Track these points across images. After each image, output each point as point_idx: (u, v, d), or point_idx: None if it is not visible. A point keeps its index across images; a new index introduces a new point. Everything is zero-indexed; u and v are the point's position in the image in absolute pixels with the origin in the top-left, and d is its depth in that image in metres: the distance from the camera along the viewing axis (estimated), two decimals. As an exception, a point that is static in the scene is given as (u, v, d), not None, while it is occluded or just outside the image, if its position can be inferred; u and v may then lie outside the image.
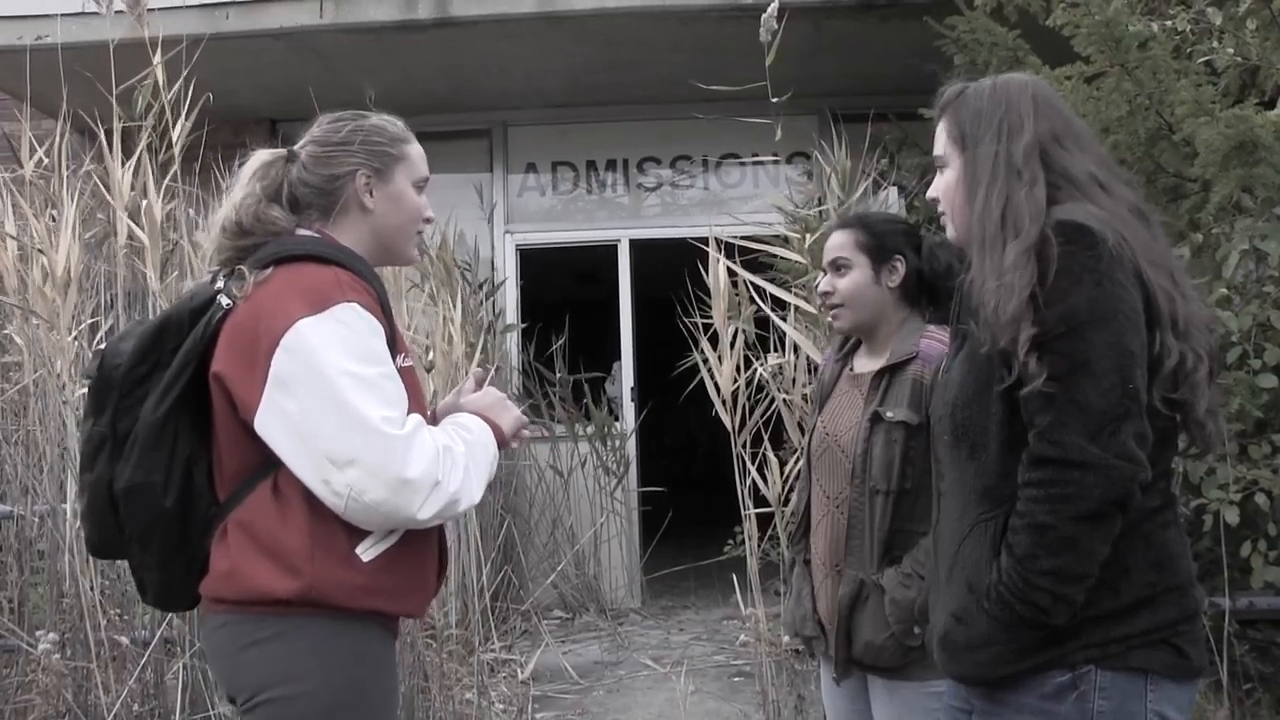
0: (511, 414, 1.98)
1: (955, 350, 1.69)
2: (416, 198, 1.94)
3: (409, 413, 1.76)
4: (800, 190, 6.08)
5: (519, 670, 4.70)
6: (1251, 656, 3.78)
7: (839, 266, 2.29)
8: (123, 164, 3.94)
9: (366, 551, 1.75)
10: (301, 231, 1.86)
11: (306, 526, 1.73)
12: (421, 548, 1.85)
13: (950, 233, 1.72)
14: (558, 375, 6.42)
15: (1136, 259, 1.46)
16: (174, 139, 3.94)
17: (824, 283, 2.31)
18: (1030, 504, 1.45)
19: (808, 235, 4.36)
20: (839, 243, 2.30)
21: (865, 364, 2.31)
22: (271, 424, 1.71)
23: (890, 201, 5.38)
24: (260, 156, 1.92)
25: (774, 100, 4.17)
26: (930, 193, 1.74)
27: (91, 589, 3.70)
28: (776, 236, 4.55)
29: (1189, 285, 1.56)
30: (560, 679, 4.93)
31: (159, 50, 3.87)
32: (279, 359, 1.70)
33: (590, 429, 6.46)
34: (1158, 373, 1.46)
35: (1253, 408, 3.19)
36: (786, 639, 3.97)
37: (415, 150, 1.96)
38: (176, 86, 3.94)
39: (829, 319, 2.35)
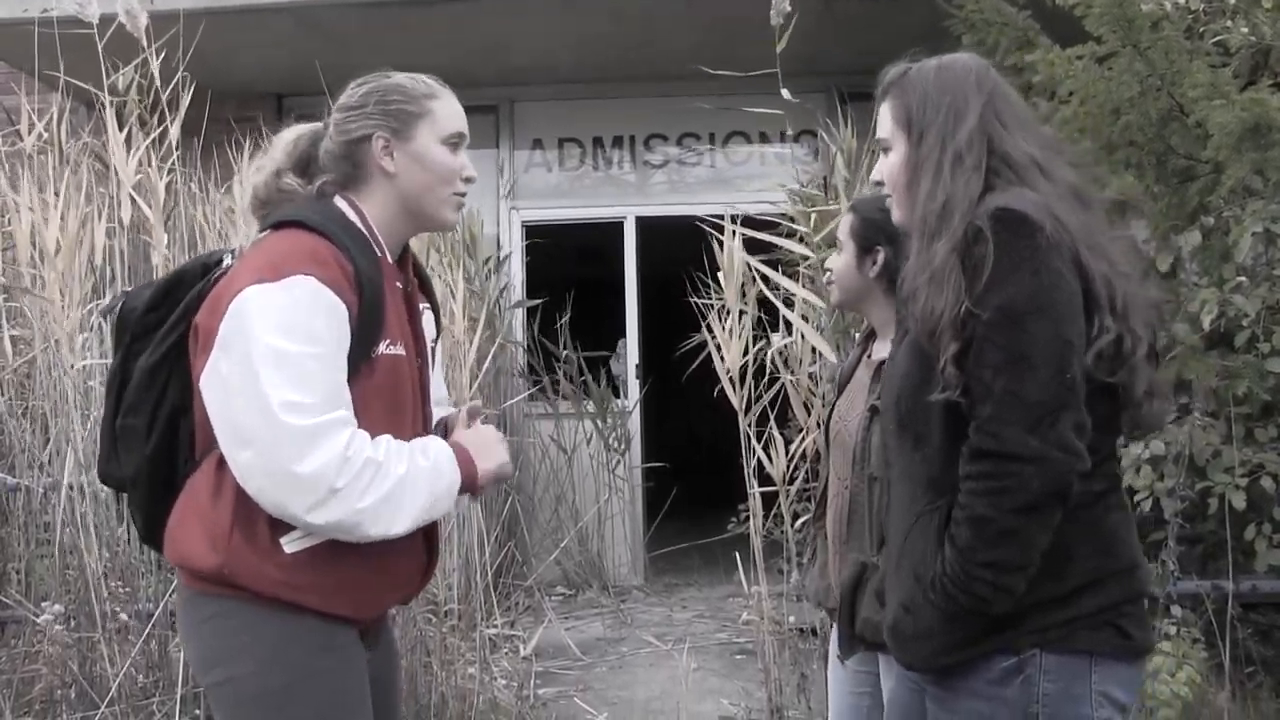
0: (495, 461, 1.83)
1: (900, 339, 1.68)
2: (447, 156, 1.82)
3: (380, 402, 1.70)
4: (806, 170, 6.05)
5: (521, 646, 4.71)
6: (1254, 640, 3.79)
7: (836, 244, 2.36)
8: (127, 139, 3.93)
9: (292, 543, 1.67)
10: (338, 201, 1.80)
11: (233, 505, 1.67)
12: (374, 547, 1.70)
13: (895, 216, 1.71)
14: (564, 353, 6.41)
15: (1075, 244, 1.46)
16: (164, 112, 3.91)
17: (831, 257, 2.37)
18: (970, 496, 1.45)
19: (813, 215, 4.35)
20: (842, 223, 2.36)
21: (878, 352, 2.33)
22: (207, 386, 1.67)
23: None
24: (293, 130, 1.89)
25: (784, 90, 4.16)
26: (874, 175, 1.72)
27: (96, 562, 3.72)
28: (783, 215, 4.53)
29: (1131, 266, 1.55)
30: (563, 655, 4.95)
31: (141, 32, 3.82)
32: (225, 322, 1.65)
33: (590, 406, 6.46)
34: (1097, 357, 1.46)
35: (1260, 391, 3.17)
36: (792, 618, 3.99)
37: (444, 106, 1.83)
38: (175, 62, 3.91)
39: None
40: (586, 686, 4.60)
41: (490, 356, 5.16)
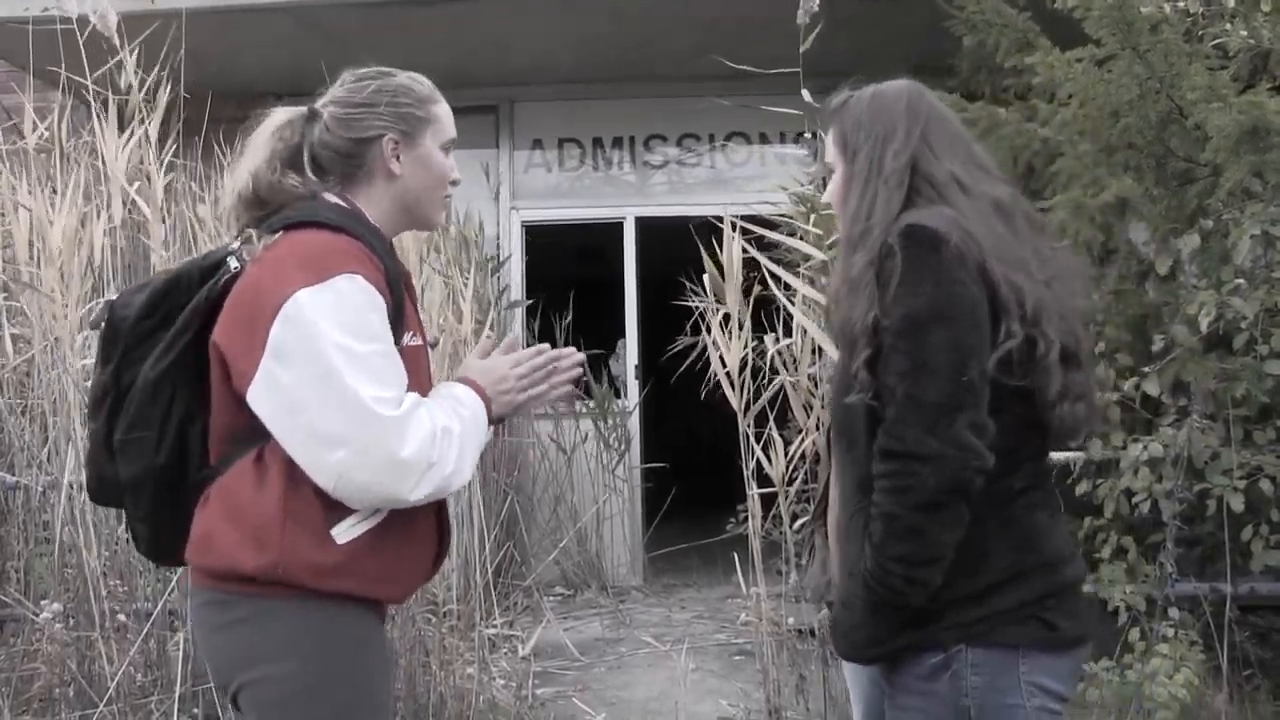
0: (507, 398, 1.87)
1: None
2: (444, 160, 1.86)
3: (409, 391, 1.71)
4: (806, 170, 6.05)
5: (520, 646, 4.71)
6: (1252, 643, 3.79)
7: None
8: (127, 138, 3.93)
9: (343, 533, 1.69)
10: (328, 196, 1.79)
11: (282, 500, 1.67)
12: (408, 532, 1.77)
13: (841, 233, 1.80)
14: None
15: (982, 255, 1.53)
16: (165, 111, 3.91)
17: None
18: (880, 494, 1.54)
19: (812, 215, 4.35)
20: None
21: None
22: (266, 397, 1.65)
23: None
24: (279, 115, 1.83)
25: (804, 91, 4.16)
26: (824, 197, 1.84)
27: (95, 560, 3.72)
28: (783, 216, 4.53)
29: (1053, 275, 1.62)
30: (561, 655, 4.95)
31: (112, 31, 3.81)
32: (277, 329, 1.62)
33: (592, 405, 6.46)
34: (1005, 361, 1.53)
35: (1258, 393, 3.18)
36: (791, 619, 3.99)
37: (443, 110, 1.87)
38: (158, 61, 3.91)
39: None
40: (585, 687, 4.60)
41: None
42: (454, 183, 1.89)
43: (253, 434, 1.71)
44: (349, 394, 1.60)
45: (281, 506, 1.67)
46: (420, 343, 1.85)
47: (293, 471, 1.67)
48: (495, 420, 1.86)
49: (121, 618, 3.68)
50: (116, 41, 3.79)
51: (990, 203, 1.62)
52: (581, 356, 2.01)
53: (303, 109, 1.83)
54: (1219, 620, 3.58)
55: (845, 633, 1.65)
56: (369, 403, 1.61)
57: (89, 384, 3.86)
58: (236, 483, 1.71)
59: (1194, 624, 3.63)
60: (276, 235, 1.75)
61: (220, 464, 1.76)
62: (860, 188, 1.67)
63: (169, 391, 1.75)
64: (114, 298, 1.82)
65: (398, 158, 1.80)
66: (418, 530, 1.79)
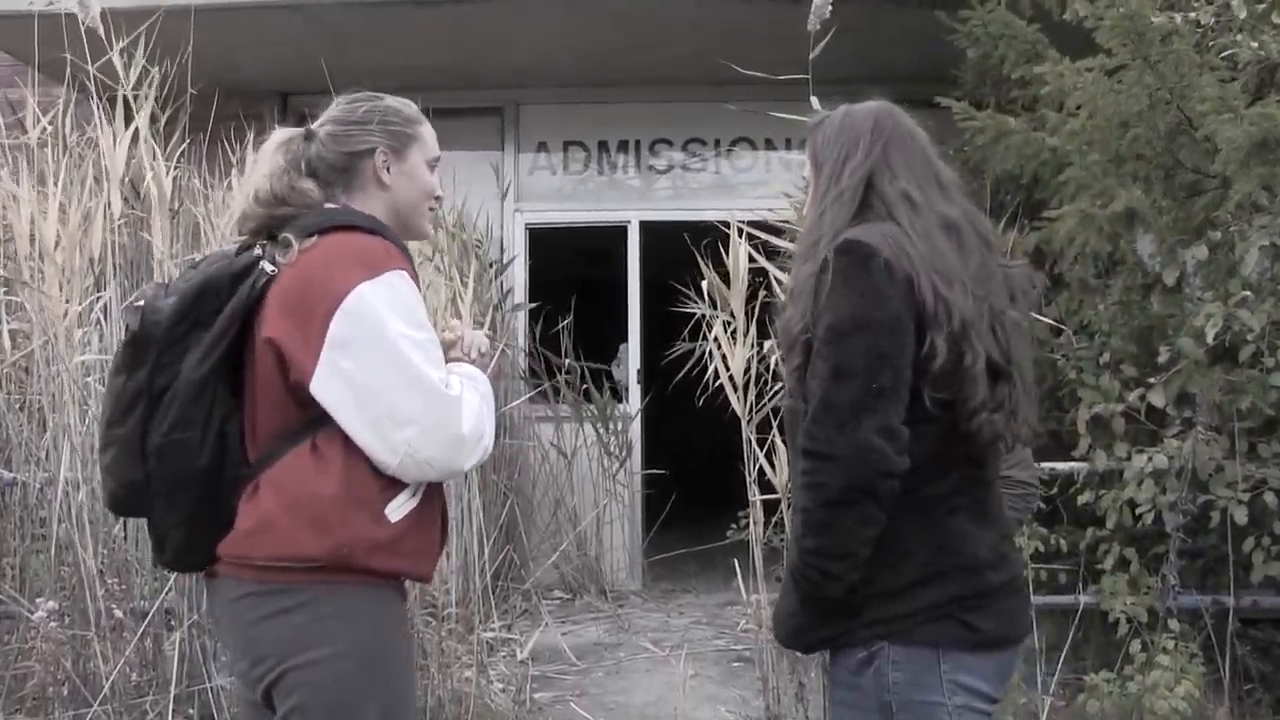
0: (488, 363, 2.07)
1: None
2: (429, 176, 2.02)
3: None
4: (804, 177, 6.03)
5: (518, 650, 4.69)
6: (1253, 657, 3.77)
7: None
8: (131, 132, 3.91)
9: (395, 511, 1.82)
10: (329, 205, 1.91)
11: (342, 485, 1.78)
12: (434, 508, 1.93)
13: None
14: (565, 361, 6.38)
15: (913, 270, 1.60)
16: (143, 103, 3.88)
17: None
18: (797, 490, 1.64)
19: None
20: None
21: None
22: (330, 385, 1.77)
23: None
24: (280, 134, 1.97)
25: (813, 98, 4.14)
26: (804, 210, 1.92)
27: (92, 559, 3.69)
28: (786, 223, 4.52)
29: (992, 290, 1.68)
30: (559, 660, 4.93)
31: (96, 23, 3.79)
32: (339, 320, 1.75)
33: (593, 410, 6.44)
34: (929, 371, 1.59)
35: (1263, 405, 3.16)
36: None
37: (428, 131, 2.03)
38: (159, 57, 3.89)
39: None
40: (583, 692, 4.58)
41: (494, 359, 5.13)
42: (437, 198, 2.05)
43: (305, 427, 1.81)
44: (420, 377, 1.77)
45: (343, 489, 1.78)
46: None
47: (349, 456, 1.78)
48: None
49: (118, 614, 3.66)
50: (101, 32, 3.76)
51: (939, 220, 1.68)
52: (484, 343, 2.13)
53: (300, 129, 1.98)
54: (1220, 633, 3.56)
55: (781, 621, 1.75)
56: (437, 384, 1.78)
57: (88, 379, 3.90)
58: (294, 473, 1.80)
59: (1195, 636, 3.62)
60: (312, 239, 1.83)
61: (262, 461, 1.83)
62: (818, 201, 1.77)
63: (212, 391, 1.82)
64: (141, 303, 1.86)
65: (388, 169, 1.96)
66: (437, 507, 1.95)
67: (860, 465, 1.55)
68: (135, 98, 3.91)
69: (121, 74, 3.89)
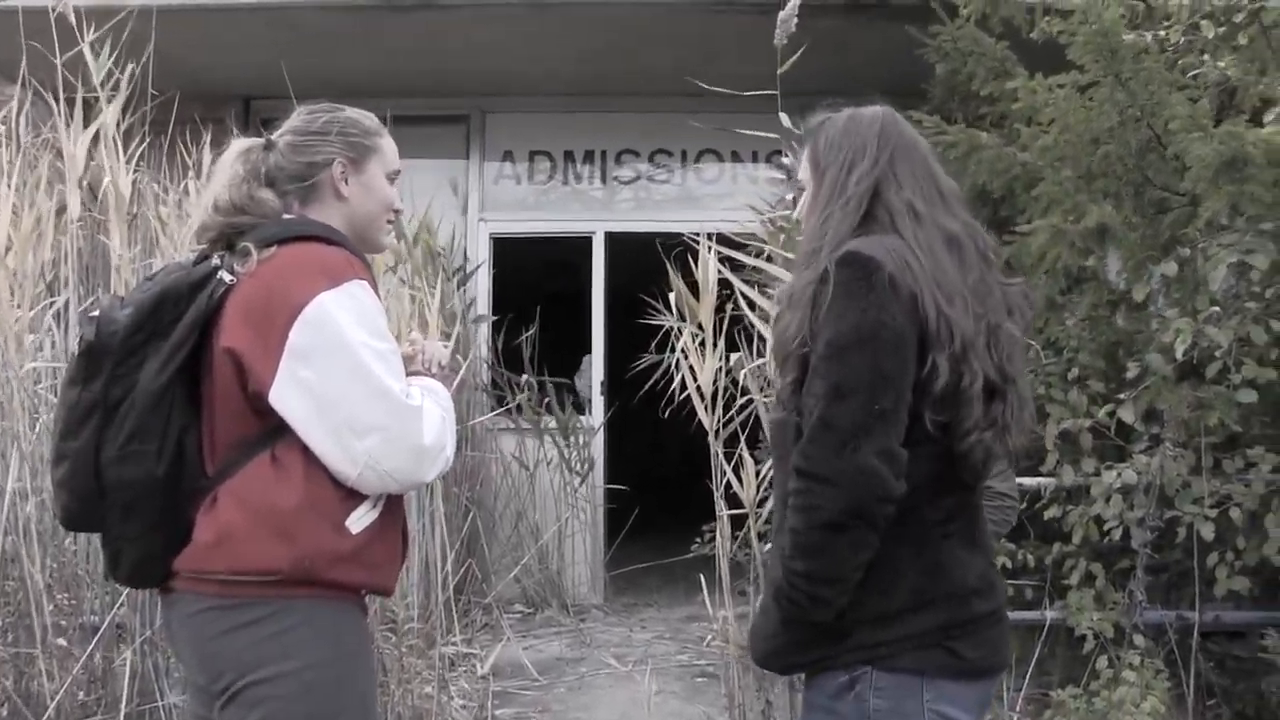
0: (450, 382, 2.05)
1: None
2: (388, 188, 2.01)
3: None
4: (774, 190, 6.04)
5: (478, 665, 4.61)
6: (1215, 672, 3.79)
7: None
8: (92, 132, 3.81)
9: (356, 522, 1.80)
10: (287, 216, 1.91)
11: (302, 495, 1.75)
12: (396, 521, 1.92)
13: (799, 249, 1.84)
14: (524, 378, 6.31)
15: (917, 286, 1.55)
16: (117, 103, 3.79)
17: None
18: (790, 511, 1.57)
19: (782, 236, 4.33)
20: None
21: None
22: (288, 394, 1.74)
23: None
24: (239, 144, 1.97)
25: (781, 115, 4.14)
26: (795, 214, 1.91)
27: (39, 572, 3.58)
28: (753, 238, 4.51)
29: (992, 307, 1.64)
30: (521, 675, 4.86)
31: (69, 14, 3.71)
32: (298, 330, 1.74)
33: (554, 424, 6.38)
34: (929, 393, 1.55)
35: (1231, 421, 3.18)
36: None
37: (388, 144, 2.03)
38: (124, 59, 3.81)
39: None
40: (545, 708, 4.51)
41: (459, 375, 5.08)
42: (396, 211, 2.04)
43: (264, 437, 1.79)
44: (382, 387, 1.76)
45: (304, 500, 1.76)
46: None
47: (309, 467, 1.77)
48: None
49: (62, 641, 3.53)
50: (72, 24, 3.68)
51: (942, 234, 1.64)
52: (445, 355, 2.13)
53: (260, 140, 1.98)
54: (1184, 648, 3.57)
55: (759, 641, 1.70)
56: (397, 394, 1.77)
57: (38, 386, 3.78)
58: (253, 484, 1.77)
59: (1159, 652, 3.63)
60: (272, 249, 1.82)
61: (221, 472, 1.80)
62: (821, 207, 1.71)
63: (170, 402, 1.79)
64: (96, 314, 1.83)
65: (346, 181, 1.95)
66: (398, 519, 1.94)
67: (859, 490, 1.50)
68: (98, 99, 3.82)
69: (93, 70, 3.80)
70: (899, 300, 1.53)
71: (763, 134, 4.45)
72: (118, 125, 3.90)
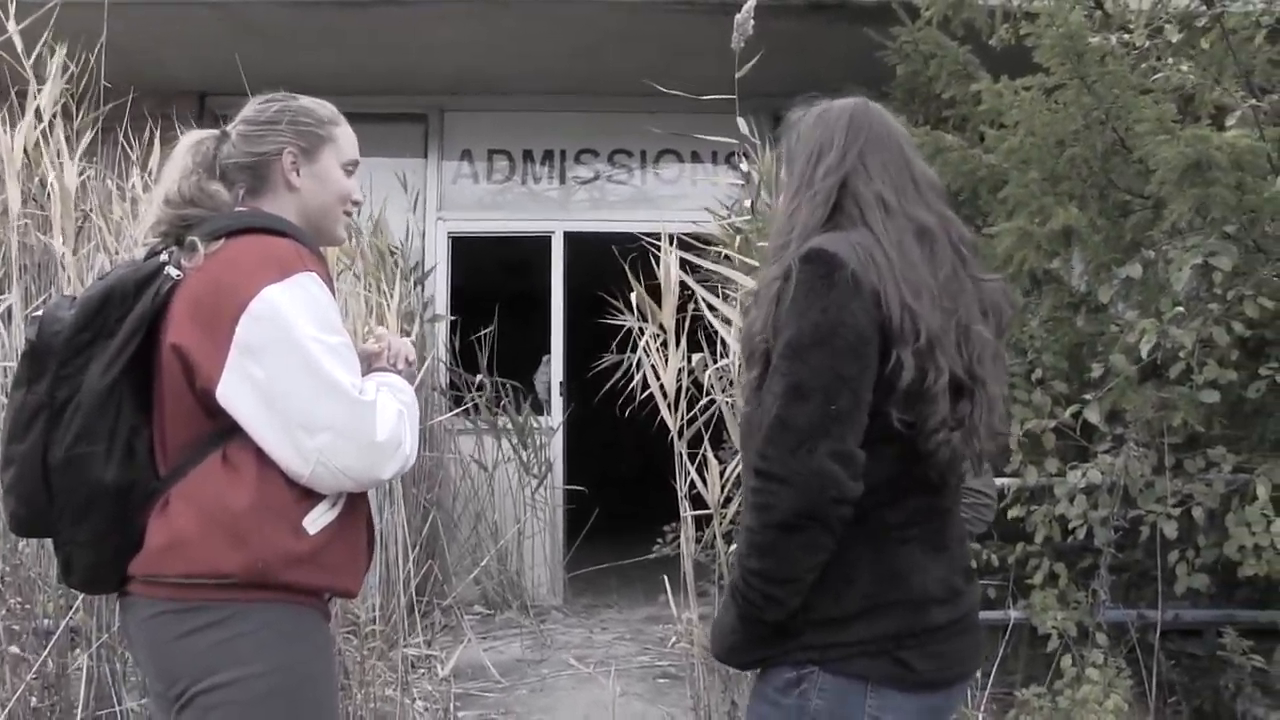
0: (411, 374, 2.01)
1: None
2: (344, 179, 1.96)
3: None
4: (730, 193, 6.05)
5: (439, 667, 4.56)
6: (1175, 671, 3.85)
7: None
8: (33, 123, 3.71)
9: (313, 522, 1.75)
10: (239, 209, 1.87)
11: (256, 496, 1.71)
12: (358, 521, 1.87)
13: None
14: (478, 378, 6.26)
15: (881, 283, 1.53)
16: (43, 100, 3.70)
17: None
18: (745, 509, 1.58)
19: (738, 238, 4.36)
20: None
21: None
22: (237, 391, 1.70)
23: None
24: (191, 135, 1.94)
25: (740, 119, 4.14)
26: (774, 209, 1.88)
27: (-9, 574, 3.48)
28: (709, 239, 4.53)
29: (964, 303, 1.61)
30: (482, 676, 4.82)
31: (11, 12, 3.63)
32: (245, 325, 1.69)
33: (511, 425, 6.34)
34: (895, 389, 1.53)
35: (1195, 422, 3.23)
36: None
37: (344, 133, 1.98)
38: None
39: None
40: (508, 710, 4.47)
41: (421, 371, 5.02)
42: (355, 202, 1.99)
43: (216, 437, 1.74)
44: (331, 382, 1.70)
45: (257, 501, 1.71)
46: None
47: (262, 467, 1.72)
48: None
49: (15, 648, 3.43)
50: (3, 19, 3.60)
51: (914, 227, 1.61)
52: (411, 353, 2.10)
53: (215, 130, 1.94)
54: (1146, 646, 3.62)
55: (718, 636, 1.68)
56: (349, 390, 1.71)
57: (9, 404, 3.64)
58: (205, 485, 1.72)
59: (1121, 650, 3.67)
60: (220, 242, 1.78)
61: (173, 474, 1.76)
62: (789, 201, 1.68)
63: (116, 403, 1.74)
64: (40, 313, 1.78)
65: (297, 172, 1.91)
66: (361, 519, 1.89)
67: (812, 491, 1.48)
68: (36, 92, 3.72)
69: (23, 57, 3.70)
70: (861, 298, 1.51)
71: (720, 139, 4.46)
72: (69, 120, 3.81)
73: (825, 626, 1.56)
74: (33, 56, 3.75)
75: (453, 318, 6.60)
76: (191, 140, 1.92)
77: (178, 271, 1.76)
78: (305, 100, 1.97)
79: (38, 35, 3.81)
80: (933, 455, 1.56)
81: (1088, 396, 3.39)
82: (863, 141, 1.66)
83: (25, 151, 3.76)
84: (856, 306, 1.51)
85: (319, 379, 1.69)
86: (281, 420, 1.69)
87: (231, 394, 1.70)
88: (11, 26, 3.68)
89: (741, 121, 4.41)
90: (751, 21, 4.18)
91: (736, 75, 3.96)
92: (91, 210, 4.02)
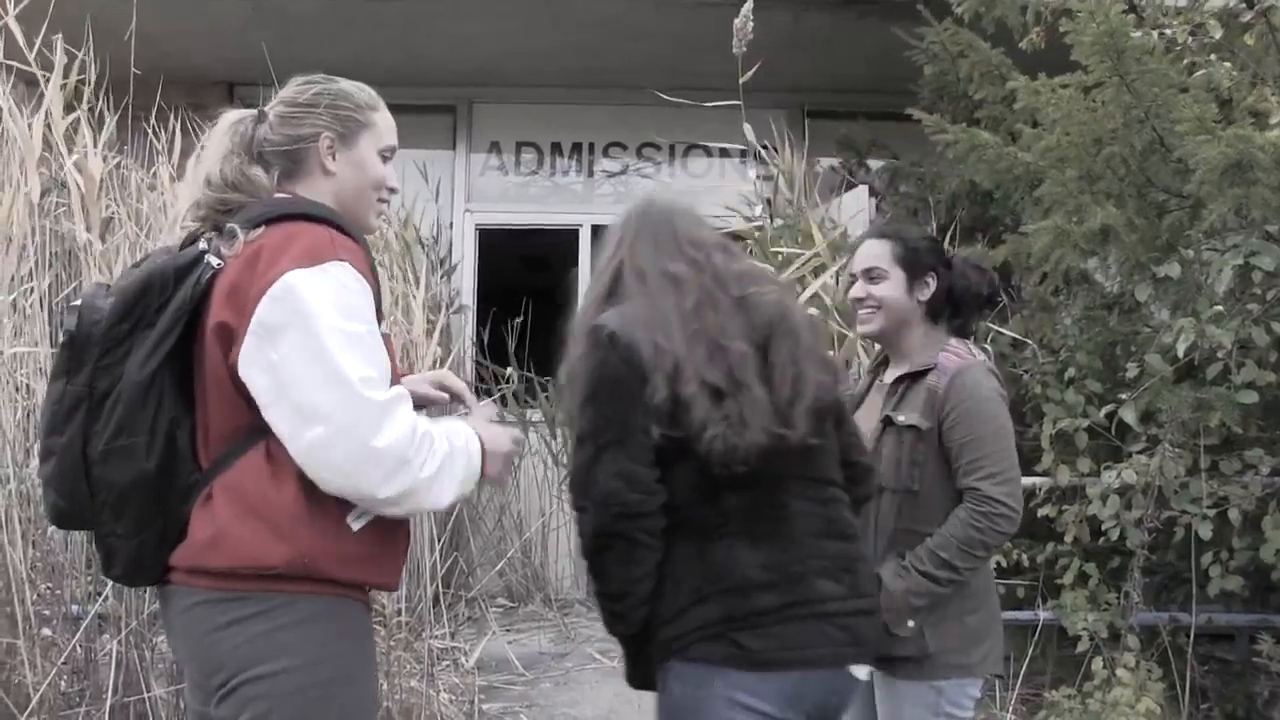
0: (504, 449, 1.89)
1: None
2: (380, 166, 1.92)
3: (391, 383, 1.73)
4: (751, 188, 6.02)
5: (463, 659, 4.56)
6: (1208, 675, 3.81)
7: (873, 276, 2.35)
8: (65, 115, 3.73)
9: (357, 520, 1.73)
10: (279, 195, 1.84)
11: (300, 491, 1.68)
12: (400, 521, 1.85)
13: None
14: (508, 371, 6.25)
15: (635, 335, 1.74)
16: (56, 77, 3.71)
17: (857, 289, 2.39)
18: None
19: (757, 234, 4.36)
20: (874, 252, 2.37)
21: (891, 374, 2.39)
22: (252, 371, 1.68)
23: (861, 203, 5.34)
24: (230, 115, 1.90)
25: (745, 126, 4.13)
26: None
27: (21, 561, 3.50)
28: (734, 234, 4.52)
29: (708, 322, 1.79)
30: (506, 669, 4.82)
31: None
32: (264, 306, 1.66)
33: (539, 417, 6.33)
34: (660, 408, 1.72)
35: (1231, 422, 3.19)
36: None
37: (383, 119, 1.94)
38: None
39: (860, 322, 2.41)
40: (532, 703, 4.47)
41: (447, 362, 5.04)
42: (391, 190, 1.96)
43: (256, 428, 1.71)
44: (337, 371, 1.64)
45: (302, 497, 1.68)
46: (388, 332, 1.90)
47: None
48: (491, 471, 1.87)
49: (48, 630, 3.46)
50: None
51: (662, 278, 1.83)
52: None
53: (254, 111, 1.91)
54: (1178, 650, 3.59)
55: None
56: (356, 384, 1.64)
57: (19, 373, 3.69)
58: (247, 478, 1.70)
59: (1152, 653, 3.64)
60: (259, 230, 1.75)
61: (216, 465, 1.73)
62: (589, 291, 1.93)
63: (158, 393, 1.72)
64: (78, 303, 1.76)
65: (333, 156, 1.87)
66: (402, 519, 1.86)
67: (601, 511, 1.72)
68: (47, 79, 3.74)
69: (24, 48, 3.72)
70: (617, 349, 1.74)
71: (730, 145, 4.45)
72: (92, 110, 3.83)
73: (669, 623, 1.75)
74: (57, 49, 3.77)
75: (473, 307, 6.60)
76: (230, 120, 1.89)
77: (218, 260, 1.74)
78: (344, 84, 1.93)
79: (69, 28, 3.82)
80: (709, 452, 1.70)
81: (1122, 396, 3.35)
82: (634, 231, 1.91)
83: (48, 141, 3.78)
84: (613, 357, 1.74)
85: (324, 366, 1.63)
86: (288, 406, 1.65)
87: (248, 374, 1.68)
88: (11, 20, 3.69)
89: (747, 128, 4.41)
90: (751, 24, 4.16)
91: (740, 80, 3.95)
92: (115, 200, 4.04)
